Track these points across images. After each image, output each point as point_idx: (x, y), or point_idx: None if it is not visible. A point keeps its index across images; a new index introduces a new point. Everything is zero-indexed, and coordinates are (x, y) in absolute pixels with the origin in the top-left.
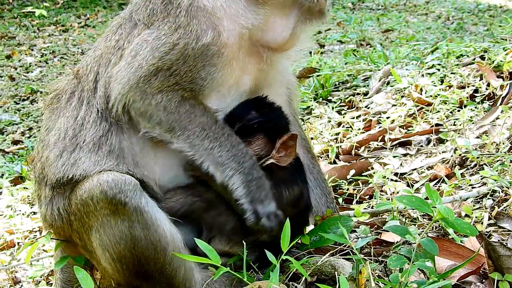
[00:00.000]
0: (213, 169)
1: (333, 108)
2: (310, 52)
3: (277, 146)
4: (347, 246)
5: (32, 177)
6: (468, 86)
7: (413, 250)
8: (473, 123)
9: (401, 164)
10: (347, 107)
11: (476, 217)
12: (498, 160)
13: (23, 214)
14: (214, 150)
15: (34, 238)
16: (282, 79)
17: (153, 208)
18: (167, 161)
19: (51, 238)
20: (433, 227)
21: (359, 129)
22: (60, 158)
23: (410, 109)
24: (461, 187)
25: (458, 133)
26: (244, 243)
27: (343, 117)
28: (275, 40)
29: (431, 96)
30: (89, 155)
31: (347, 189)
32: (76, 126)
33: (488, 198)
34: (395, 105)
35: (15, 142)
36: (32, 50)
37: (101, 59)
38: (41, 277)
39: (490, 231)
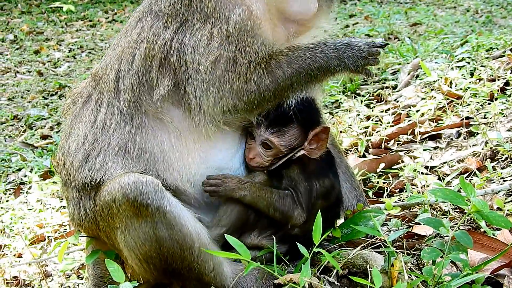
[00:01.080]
0: (326, 79)
1: (361, 101)
2: None
3: (309, 138)
4: (378, 239)
5: (59, 180)
6: (498, 79)
7: (446, 243)
8: (504, 116)
9: (431, 158)
10: (375, 100)
11: (508, 210)
12: None
13: (53, 208)
14: (317, 73)
15: (64, 231)
16: None
17: (176, 208)
18: (199, 157)
19: (80, 236)
20: (464, 221)
21: (389, 122)
22: (86, 163)
23: (440, 102)
24: (493, 180)
25: (489, 126)
26: (274, 238)
27: (372, 110)
28: (302, 12)
29: (461, 89)
30: (116, 159)
31: (377, 183)
32: (97, 131)
33: None
34: (424, 99)
35: (44, 137)
36: (60, 45)
37: (122, 55)
38: (71, 270)
39: None
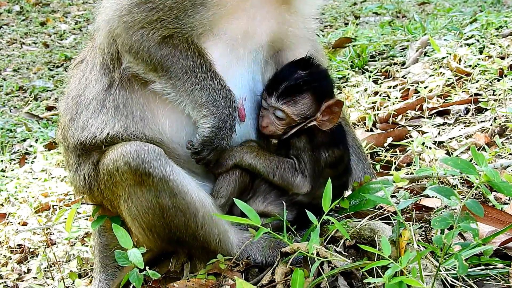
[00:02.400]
0: (190, 109)
1: (369, 77)
2: (346, 23)
3: (322, 109)
4: (386, 210)
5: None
6: (508, 57)
7: (455, 214)
8: None
9: (439, 133)
10: (383, 76)
11: None
12: None
13: (57, 177)
14: (194, 92)
15: (69, 201)
16: (305, 34)
17: (179, 176)
18: (174, 113)
19: (82, 203)
20: (472, 194)
21: (396, 98)
22: (73, 122)
23: (448, 78)
24: (501, 155)
25: (498, 103)
26: (283, 203)
27: (380, 86)
28: None
29: (470, 66)
30: (96, 115)
31: (385, 157)
32: (81, 87)
33: None
34: (432, 75)
35: (49, 108)
36: (66, 17)
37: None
38: (76, 238)
39: None
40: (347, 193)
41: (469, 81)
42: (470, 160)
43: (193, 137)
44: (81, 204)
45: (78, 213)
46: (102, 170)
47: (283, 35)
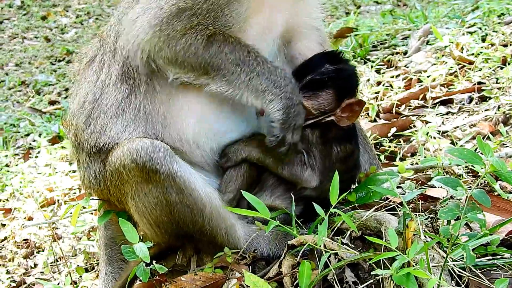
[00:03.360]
0: (253, 99)
1: (372, 67)
2: (347, 13)
3: (342, 106)
4: (392, 201)
5: (70, 142)
6: (511, 44)
7: (462, 204)
8: None
9: (443, 122)
10: (386, 66)
11: None
12: None
13: (62, 172)
14: (252, 80)
15: (74, 195)
16: (313, 24)
17: (185, 172)
18: (195, 116)
19: (91, 199)
20: (478, 184)
21: (399, 87)
22: (88, 126)
23: (451, 67)
24: (506, 144)
25: (502, 91)
26: (291, 196)
27: (382, 76)
28: None
29: (472, 54)
30: (115, 121)
31: (389, 147)
32: (96, 91)
33: None
34: (435, 64)
35: (52, 103)
36: (67, 11)
37: (122, 15)
38: (82, 233)
39: None
40: (353, 186)
41: (472, 70)
42: (475, 150)
43: (259, 130)
44: (90, 199)
45: (84, 207)
46: (109, 167)
47: (295, 25)
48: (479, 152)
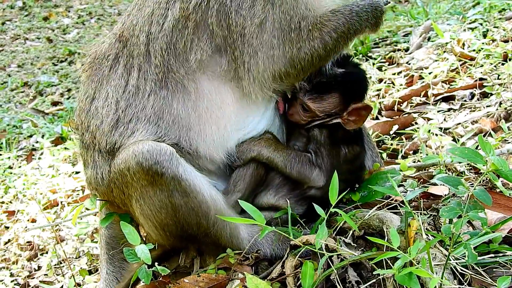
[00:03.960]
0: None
1: (373, 64)
2: None
3: (349, 109)
4: (394, 200)
5: (79, 143)
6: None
7: (463, 202)
8: None
9: (444, 119)
10: (387, 63)
11: None
12: None
13: (65, 173)
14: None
15: (77, 196)
16: None
17: (191, 175)
18: (233, 122)
19: (96, 199)
20: (480, 181)
21: (401, 85)
22: (117, 128)
23: (452, 64)
24: (508, 140)
25: (503, 87)
26: (288, 201)
27: (384, 73)
28: None
29: (474, 50)
30: (148, 127)
31: (391, 144)
32: (129, 96)
33: None
34: (437, 61)
35: (55, 103)
36: (69, 11)
37: (153, 17)
38: (85, 234)
39: None
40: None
41: (474, 66)
42: (477, 147)
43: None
44: (96, 200)
45: (87, 209)
46: (114, 169)
47: None
48: (480, 149)
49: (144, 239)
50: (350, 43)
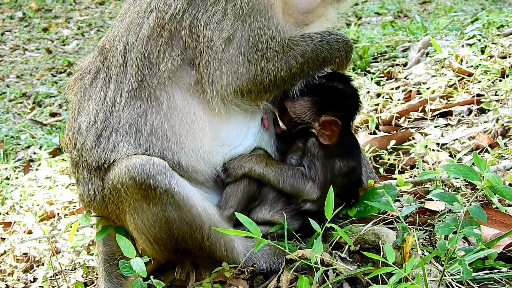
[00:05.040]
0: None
1: (372, 79)
2: (348, 24)
3: (320, 120)
4: (390, 215)
5: (69, 160)
6: (509, 56)
7: (459, 218)
8: None
9: (442, 135)
10: (386, 78)
11: None
12: None
13: (62, 185)
14: (320, 57)
15: (74, 208)
16: None
17: (184, 189)
18: (211, 133)
19: (90, 216)
20: (476, 197)
21: (399, 99)
22: (99, 144)
23: (450, 79)
24: (504, 156)
25: (500, 103)
26: (285, 214)
27: (382, 88)
28: (305, 5)
29: (472, 66)
30: (128, 139)
31: (388, 159)
32: (107, 108)
33: None
34: (435, 76)
35: (53, 114)
36: (69, 22)
37: (131, 26)
38: (81, 247)
39: None
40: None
41: (471, 82)
42: (473, 164)
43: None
44: (90, 216)
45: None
46: (107, 185)
47: None
48: (476, 166)
49: (140, 252)
50: (319, 69)
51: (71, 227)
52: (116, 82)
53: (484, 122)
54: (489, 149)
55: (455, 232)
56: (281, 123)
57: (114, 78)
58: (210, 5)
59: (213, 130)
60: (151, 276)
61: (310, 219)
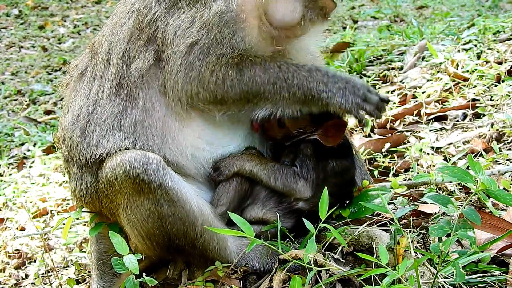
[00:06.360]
0: (310, 108)
1: (367, 82)
2: (344, 27)
3: (324, 127)
4: (384, 217)
5: (61, 155)
6: (505, 62)
7: (453, 221)
8: (510, 98)
9: (436, 139)
10: (381, 81)
11: None
12: None
13: (55, 182)
14: (296, 93)
15: (67, 206)
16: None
17: (178, 184)
18: (189, 131)
19: (82, 211)
20: (470, 201)
21: (394, 103)
22: (84, 139)
23: (446, 84)
24: (499, 161)
25: (496, 108)
26: (278, 214)
27: (378, 91)
28: (281, 20)
29: (467, 71)
30: (113, 133)
31: (383, 162)
32: (90, 104)
33: None
34: (430, 80)
35: (48, 112)
36: (65, 21)
37: (115, 26)
38: (74, 244)
39: None
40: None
41: (467, 86)
42: (467, 167)
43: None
44: (82, 212)
45: (77, 218)
46: (101, 179)
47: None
48: (471, 170)
49: (133, 250)
50: (294, 99)
51: (63, 223)
52: (100, 79)
53: (479, 126)
54: (483, 153)
55: (449, 235)
56: (272, 135)
57: (98, 75)
58: (183, 12)
59: (188, 128)
60: (144, 274)
61: (304, 219)
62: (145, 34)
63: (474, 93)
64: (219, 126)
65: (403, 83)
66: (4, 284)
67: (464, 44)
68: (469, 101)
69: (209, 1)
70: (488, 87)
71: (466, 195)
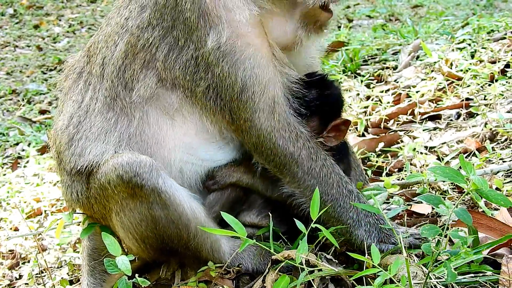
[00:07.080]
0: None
1: (361, 81)
2: (339, 26)
3: (328, 128)
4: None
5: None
6: (499, 61)
7: (445, 221)
8: (504, 98)
9: (430, 138)
10: (376, 81)
11: (507, 190)
12: None
13: (50, 182)
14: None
15: (61, 205)
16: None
17: (171, 187)
18: (184, 147)
19: (75, 213)
20: (463, 200)
21: (388, 102)
22: (70, 146)
23: (440, 83)
24: (492, 161)
25: (489, 108)
26: (270, 214)
27: (372, 90)
28: (277, 39)
29: (461, 70)
30: (96, 144)
31: (376, 162)
32: (82, 113)
33: None
34: (424, 79)
35: (42, 112)
36: (60, 20)
37: (109, 39)
38: (67, 244)
39: None
40: None
41: (461, 86)
42: (460, 167)
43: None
44: (74, 213)
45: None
46: (94, 184)
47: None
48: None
49: (126, 251)
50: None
51: (56, 224)
52: (93, 90)
53: (473, 126)
54: (476, 153)
55: (440, 235)
56: None
57: (92, 86)
58: (182, 48)
59: (188, 144)
60: (136, 275)
61: (296, 220)
62: (140, 59)
63: (468, 93)
64: (213, 142)
65: (397, 82)
66: None
67: (458, 43)
68: (462, 100)
69: (207, 31)
70: (482, 87)
71: (459, 194)
